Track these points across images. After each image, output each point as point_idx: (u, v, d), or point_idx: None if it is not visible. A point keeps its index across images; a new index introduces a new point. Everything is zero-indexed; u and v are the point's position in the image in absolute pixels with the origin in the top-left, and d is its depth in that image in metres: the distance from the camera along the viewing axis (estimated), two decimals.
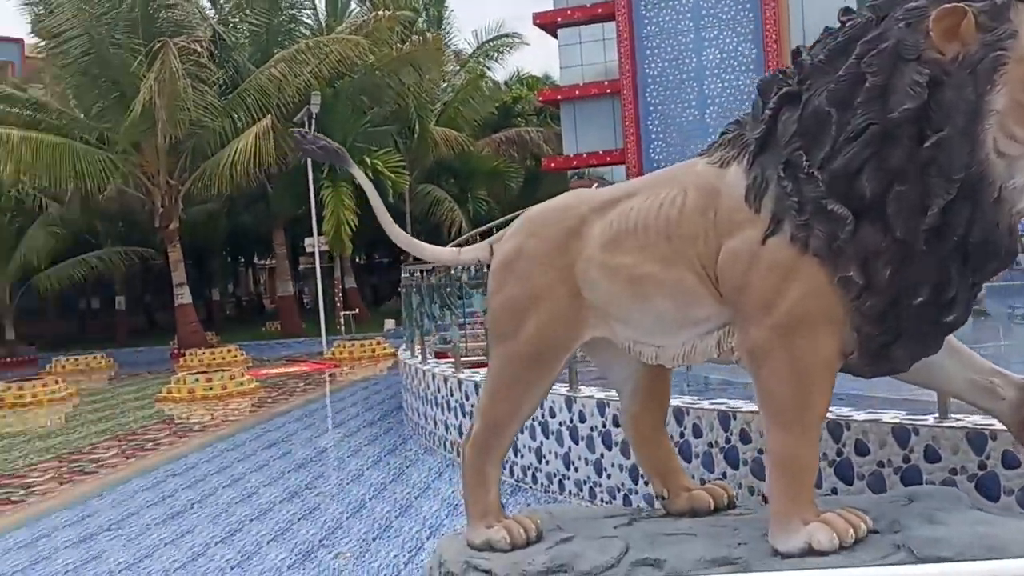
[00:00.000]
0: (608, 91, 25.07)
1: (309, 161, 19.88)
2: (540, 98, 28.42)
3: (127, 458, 9.03)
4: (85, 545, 5.89)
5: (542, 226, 3.77)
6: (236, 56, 21.48)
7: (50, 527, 6.47)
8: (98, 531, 6.22)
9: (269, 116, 20.38)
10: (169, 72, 18.24)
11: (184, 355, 19.47)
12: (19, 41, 42.15)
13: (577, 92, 26.19)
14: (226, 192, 21.40)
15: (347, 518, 6.07)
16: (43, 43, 20.13)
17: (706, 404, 5.07)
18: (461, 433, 7.73)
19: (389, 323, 22.95)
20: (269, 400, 12.81)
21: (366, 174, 15.46)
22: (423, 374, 8.85)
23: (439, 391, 8.21)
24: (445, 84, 29.78)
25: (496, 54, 30.26)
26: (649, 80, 22.92)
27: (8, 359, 22.88)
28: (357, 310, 23.87)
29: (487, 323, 4.10)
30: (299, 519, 6.14)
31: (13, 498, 7.53)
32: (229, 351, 19.20)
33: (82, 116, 21.01)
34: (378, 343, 18.09)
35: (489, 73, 30.99)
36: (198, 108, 19.58)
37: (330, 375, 15.63)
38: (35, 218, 23.23)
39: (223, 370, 14.17)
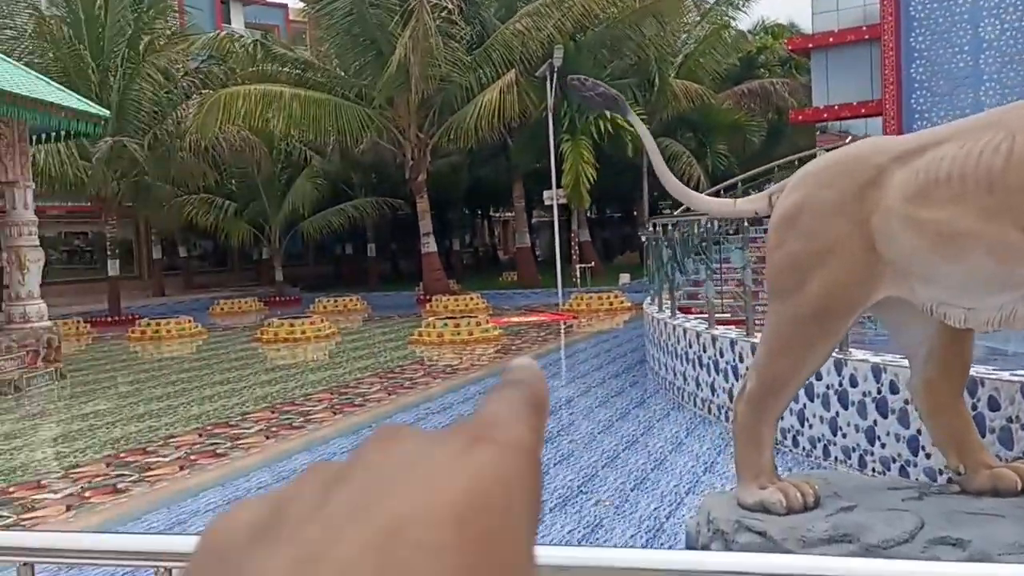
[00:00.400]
0: (866, 36, 23.33)
1: (550, 115, 20.12)
2: (788, 47, 26.97)
3: (388, 394, 9.66)
4: None
5: (835, 176, 3.55)
6: (483, 12, 21.97)
7: (328, 452, 7.08)
8: None
9: (513, 70, 20.80)
10: (422, 29, 19.03)
11: (431, 301, 20.51)
12: (283, 6, 45.71)
13: (831, 39, 24.57)
14: (471, 145, 22.14)
15: (602, 467, 6.16)
16: (307, 7, 21.52)
17: (1005, 375, 4.63)
18: (713, 390, 7.60)
19: (624, 277, 22.96)
20: (513, 347, 13.25)
21: (606, 128, 15.50)
22: (672, 328, 8.77)
23: (690, 347, 8.10)
24: (685, 35, 28.96)
25: (740, 2, 28.98)
26: (915, 23, 21.06)
27: (277, 298, 25.18)
28: (593, 263, 24.03)
29: (766, 278, 3.94)
30: (555, 464, 6.30)
31: (294, 424, 8.30)
32: (471, 299, 19.99)
33: (343, 74, 22.42)
34: (615, 296, 18.15)
35: (733, 23, 29.76)
36: (448, 64, 20.30)
37: (568, 326, 15.89)
38: (301, 170, 25.24)
39: (468, 317, 14.77)
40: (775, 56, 32.72)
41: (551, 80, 19.79)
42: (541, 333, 14.92)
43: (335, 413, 8.70)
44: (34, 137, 13.85)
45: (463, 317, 14.71)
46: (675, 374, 8.51)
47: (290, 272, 32.07)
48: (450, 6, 20.17)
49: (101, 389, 11.27)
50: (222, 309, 22.98)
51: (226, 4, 41.95)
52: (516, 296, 22.91)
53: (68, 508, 5.93)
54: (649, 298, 11.24)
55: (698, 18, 29.25)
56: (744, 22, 35.15)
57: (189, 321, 17.86)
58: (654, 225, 11.41)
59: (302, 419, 8.46)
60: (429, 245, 22.94)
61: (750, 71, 31.87)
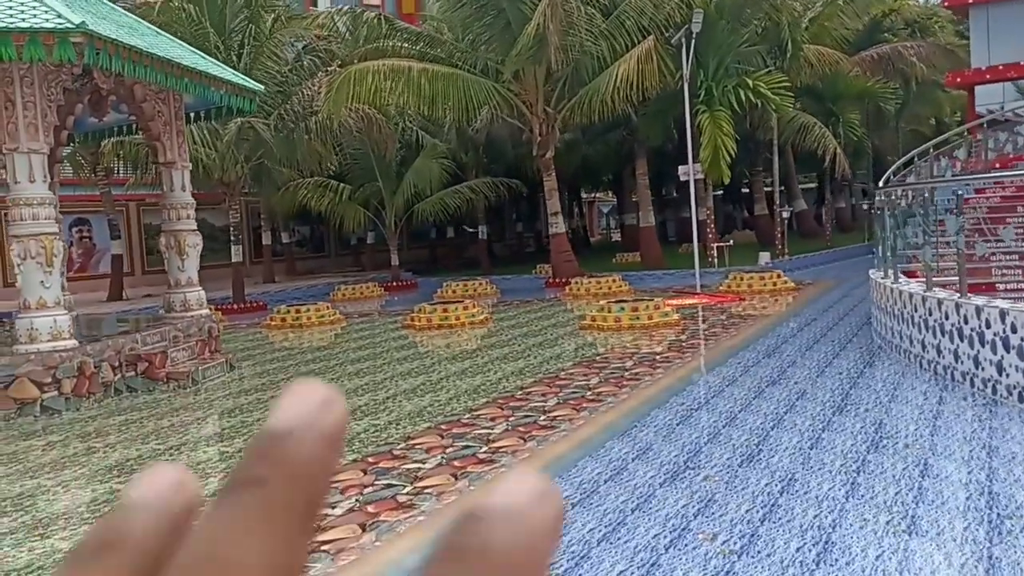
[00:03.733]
0: None
1: (686, 85, 18.86)
2: (946, 4, 25.11)
3: (619, 387, 8.63)
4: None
5: None
6: None
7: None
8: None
9: (651, 37, 19.57)
10: None
11: (569, 284, 19.48)
12: None
13: None
14: (588, 121, 20.93)
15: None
16: None
17: None
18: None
19: (764, 256, 21.61)
20: (703, 331, 12.14)
21: (747, 96, 14.98)
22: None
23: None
24: None
25: None
26: None
27: (394, 283, 24.44)
28: (731, 242, 22.70)
29: None
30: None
31: (557, 427, 7.33)
32: (613, 281, 18.91)
33: (468, 48, 21.43)
34: (778, 276, 16.87)
35: None
36: (584, 33, 19.15)
37: (742, 308, 14.69)
38: (414, 151, 24.38)
39: (644, 300, 13.67)
40: (901, 19, 30.79)
41: (688, 47, 18.52)
42: (721, 316, 13.75)
43: (576, 411, 7.70)
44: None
45: (638, 300, 13.61)
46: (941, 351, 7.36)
47: (384, 256, 31.35)
48: None
49: (276, 382, 10.47)
50: (343, 295, 22.29)
51: None
52: (647, 278, 21.70)
53: (362, 528, 5.01)
54: (876, 265, 11.41)
55: None
56: None
57: (328, 307, 17.14)
58: (885, 195, 10.95)
59: (547, 419, 7.47)
60: (558, 225, 21.90)
61: (873, 36, 30.01)
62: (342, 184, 24.11)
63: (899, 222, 10.32)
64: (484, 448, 6.56)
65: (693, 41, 18.77)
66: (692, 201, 19.72)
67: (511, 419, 7.45)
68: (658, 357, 10.27)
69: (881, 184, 11.95)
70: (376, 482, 5.85)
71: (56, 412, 9.12)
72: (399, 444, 6.86)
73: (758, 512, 4.78)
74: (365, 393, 9.21)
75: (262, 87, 13.28)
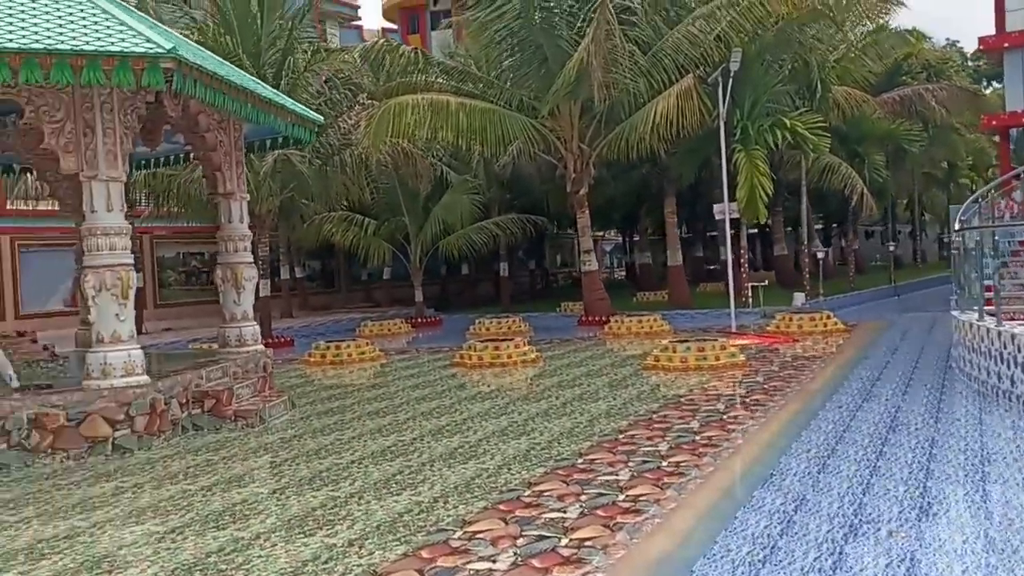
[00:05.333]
0: None
1: (722, 124, 18.76)
2: (981, 47, 25.21)
3: (725, 431, 8.28)
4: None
5: None
6: (655, 16, 20.66)
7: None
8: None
9: (690, 75, 19.49)
10: (604, 30, 17.82)
11: (607, 322, 19.17)
12: (359, 27, 45.73)
13: None
14: (644, 155, 20.76)
15: None
16: (470, 14, 20.43)
17: None
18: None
19: (799, 297, 21.38)
20: (773, 373, 11.81)
21: (783, 135, 15.09)
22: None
23: None
24: (838, 36, 27.35)
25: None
26: None
27: (418, 319, 24.05)
28: (767, 281, 22.46)
29: None
30: None
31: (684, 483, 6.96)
32: (654, 320, 18.60)
33: (506, 83, 21.28)
34: (827, 317, 16.61)
35: (890, 24, 28.14)
36: (624, 69, 19.04)
37: (798, 349, 14.39)
38: (442, 186, 24.15)
39: (707, 339, 13.36)
40: (919, 63, 31.01)
41: (725, 85, 18.42)
42: (784, 358, 13.45)
43: (694, 455, 7.33)
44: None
45: (703, 340, 13.29)
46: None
47: (399, 292, 31.00)
48: (634, 4, 18.91)
49: (345, 422, 10.05)
50: (370, 331, 21.89)
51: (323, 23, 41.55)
52: (678, 317, 21.38)
53: None
54: (954, 301, 11.91)
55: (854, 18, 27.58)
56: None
57: (368, 344, 16.75)
58: (963, 235, 10.81)
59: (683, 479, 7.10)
60: (590, 263, 21.64)
61: (893, 79, 30.19)
62: (367, 219, 23.84)
63: (981, 262, 10.20)
64: (621, 496, 6.19)
65: (731, 79, 18.70)
66: (727, 240, 19.54)
67: (630, 464, 7.09)
68: (748, 400, 9.93)
69: (957, 227, 11.75)
70: (526, 534, 5.45)
71: (128, 451, 8.68)
72: (525, 490, 6.48)
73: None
74: (453, 434, 8.82)
75: (321, 118, 13.00)
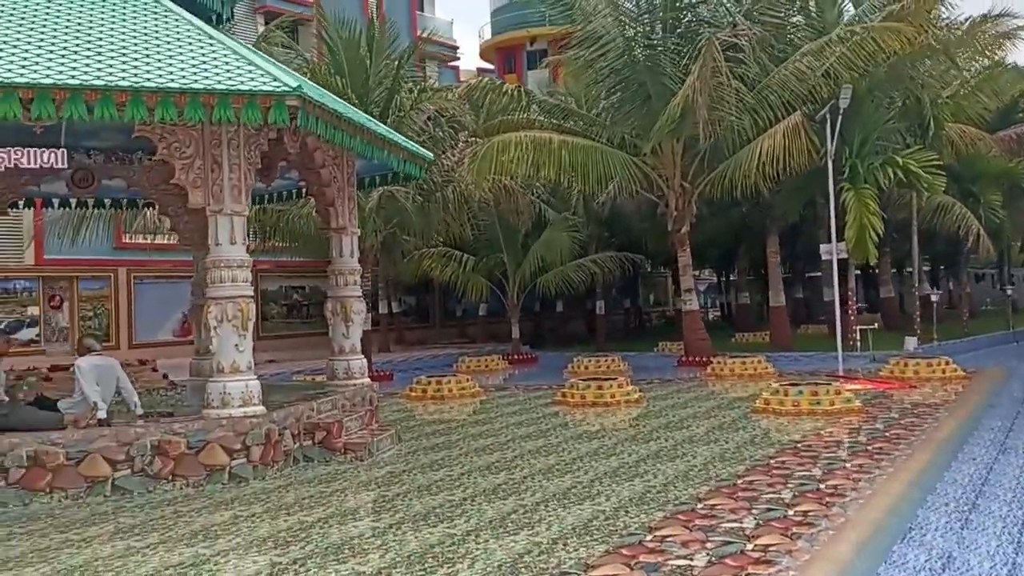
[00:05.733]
0: None
1: (830, 160, 18.25)
2: None
3: (850, 480, 7.90)
4: None
5: None
6: (761, 53, 20.38)
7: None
8: None
9: (797, 112, 19.09)
10: (711, 67, 17.66)
11: (709, 363, 18.75)
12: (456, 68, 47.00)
13: None
14: (748, 193, 20.39)
15: None
16: (574, 53, 20.53)
17: None
18: None
19: (911, 341, 20.54)
20: (899, 420, 11.28)
21: (895, 174, 14.13)
22: None
23: None
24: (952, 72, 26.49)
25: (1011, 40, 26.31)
26: None
27: (515, 356, 24.02)
28: (875, 324, 21.69)
29: None
30: None
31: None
32: (758, 362, 18.11)
33: (607, 121, 21.29)
34: (946, 363, 15.87)
35: (1008, 61, 27.13)
36: (730, 106, 18.80)
37: (916, 395, 13.75)
38: (540, 223, 24.19)
39: (820, 383, 12.89)
40: None
41: (833, 123, 17.94)
42: (903, 404, 12.86)
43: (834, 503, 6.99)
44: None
45: (815, 384, 12.84)
46: None
47: (494, 328, 31.08)
48: (742, 43, 18.71)
49: (453, 458, 10.00)
50: (468, 366, 21.96)
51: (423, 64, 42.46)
52: (781, 359, 20.74)
53: None
54: None
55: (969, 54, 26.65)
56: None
57: (468, 380, 16.77)
58: None
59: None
60: (692, 303, 21.30)
61: (1009, 116, 28.98)
62: (465, 254, 24.03)
63: None
64: (749, 545, 5.93)
65: (839, 116, 18.23)
66: (833, 281, 18.91)
67: (753, 511, 6.82)
68: (870, 448, 9.49)
69: None
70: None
71: (244, 480, 8.82)
72: (646, 535, 6.29)
73: None
74: (564, 474, 8.67)
75: (431, 155, 13.18)
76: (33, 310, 23.89)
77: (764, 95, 19.69)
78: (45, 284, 24.03)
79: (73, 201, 14.73)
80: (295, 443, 9.76)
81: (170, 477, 8.64)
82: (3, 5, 9.29)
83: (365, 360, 12.30)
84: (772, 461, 8.91)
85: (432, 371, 20.28)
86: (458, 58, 49.74)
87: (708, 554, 5.79)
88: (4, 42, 8.39)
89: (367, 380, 12.10)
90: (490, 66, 51.98)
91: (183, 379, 13.30)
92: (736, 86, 18.84)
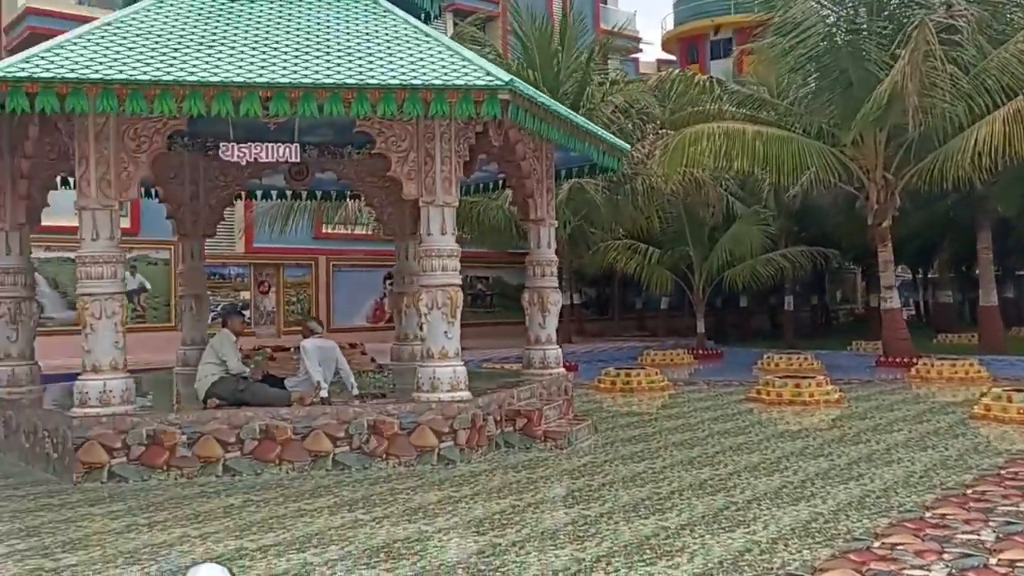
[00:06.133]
0: None
1: None
2: None
3: None
4: None
5: None
6: (978, 34, 18.96)
7: None
8: None
9: (1019, 98, 17.62)
10: (923, 52, 16.61)
11: (913, 365, 17.70)
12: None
13: None
14: (959, 186, 19.08)
15: None
16: (770, 40, 19.85)
17: None
18: None
19: None
20: None
21: None
22: None
23: None
24: None
25: None
26: None
27: (700, 351, 23.61)
28: None
29: None
30: None
31: None
32: (970, 365, 16.92)
33: (800, 109, 20.51)
34: None
35: None
36: (943, 92, 17.60)
37: None
38: (727, 216, 23.62)
39: None
40: None
41: None
42: None
43: None
44: None
45: None
46: None
47: (675, 322, 30.67)
48: (957, 23, 17.50)
49: (652, 451, 9.94)
50: (652, 360, 21.80)
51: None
52: (994, 363, 19.23)
53: None
54: None
55: None
56: None
57: (657, 374, 16.66)
58: None
59: None
60: (892, 300, 20.16)
61: None
62: (650, 247, 23.82)
63: None
64: (993, 559, 5.55)
65: None
66: None
67: (990, 524, 6.38)
68: None
69: None
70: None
71: (451, 462, 9.13)
72: (872, 541, 6.02)
73: None
74: (771, 472, 8.44)
75: (628, 146, 13.14)
76: (245, 295, 25.79)
77: (981, 79, 18.31)
78: (255, 271, 25.86)
79: (289, 193, 15.73)
80: (497, 429, 10.02)
81: (384, 456, 9.08)
82: (240, 13, 10.03)
83: (560, 350, 12.43)
84: (1003, 471, 8.31)
85: (614, 363, 20.28)
86: (640, 50, 49.35)
87: (947, 566, 5.47)
88: (244, 46, 9.06)
89: (562, 370, 12.24)
90: (671, 57, 51.21)
91: (385, 363, 13.93)
92: (950, 70, 17.59)
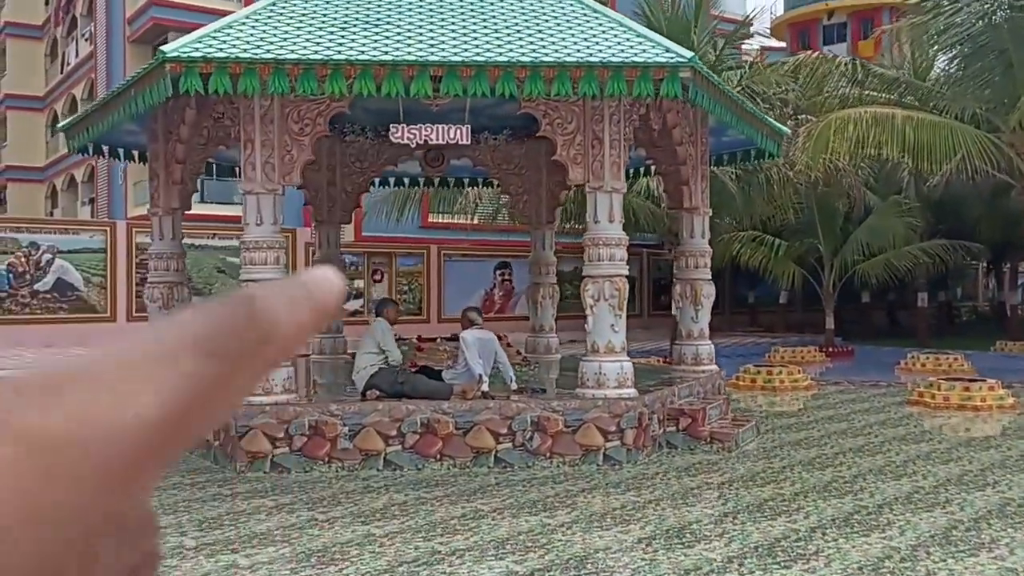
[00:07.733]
0: None
1: None
2: None
3: None
4: None
5: None
6: None
7: None
8: None
9: None
10: None
11: None
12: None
13: None
14: None
15: None
16: (911, 18, 18.67)
17: None
18: None
19: None
20: None
21: None
22: None
23: None
24: None
25: None
26: None
27: (830, 348, 22.52)
28: None
29: None
30: None
31: None
32: None
33: (947, 92, 19.25)
34: None
35: None
36: None
37: None
38: (863, 208, 22.44)
39: None
40: None
41: None
42: None
43: None
44: None
45: None
46: None
47: (792, 317, 29.45)
48: None
49: (825, 456, 9.24)
50: (781, 357, 20.85)
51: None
52: None
53: None
54: None
55: None
56: None
57: (799, 372, 15.82)
58: None
59: None
60: None
61: None
62: (777, 239, 22.82)
63: None
64: None
65: None
66: None
67: None
68: None
69: None
70: None
71: (617, 463, 8.63)
72: None
73: None
74: (983, 487, 7.66)
75: (788, 130, 12.38)
76: (359, 283, 25.79)
77: None
78: (370, 260, 25.86)
79: (421, 180, 15.47)
80: (660, 428, 9.47)
81: (547, 454, 8.64)
82: None
83: (713, 346, 11.80)
84: None
85: (738, 359, 19.51)
86: (751, 36, 47.76)
87: None
88: (412, 24, 8.70)
89: (715, 367, 11.61)
90: (780, 44, 49.45)
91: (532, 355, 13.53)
92: None
